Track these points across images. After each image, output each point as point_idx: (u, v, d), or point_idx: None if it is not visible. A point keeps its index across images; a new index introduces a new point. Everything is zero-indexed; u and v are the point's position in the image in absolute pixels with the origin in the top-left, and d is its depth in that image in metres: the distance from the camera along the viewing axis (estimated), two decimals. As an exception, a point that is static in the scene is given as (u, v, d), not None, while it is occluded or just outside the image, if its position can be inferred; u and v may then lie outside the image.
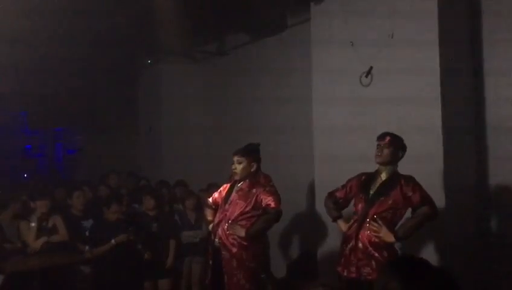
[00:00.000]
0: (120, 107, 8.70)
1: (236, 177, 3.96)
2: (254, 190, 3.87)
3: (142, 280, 4.99)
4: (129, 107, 8.65)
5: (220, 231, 3.91)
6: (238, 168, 3.91)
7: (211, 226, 4.10)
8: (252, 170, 3.92)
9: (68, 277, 4.91)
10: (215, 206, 4.14)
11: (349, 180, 3.72)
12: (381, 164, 3.47)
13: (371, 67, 4.27)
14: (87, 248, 4.81)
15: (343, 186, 3.73)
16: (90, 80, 7.88)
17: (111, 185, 6.34)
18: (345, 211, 3.79)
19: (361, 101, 4.35)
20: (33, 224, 4.85)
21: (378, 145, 3.47)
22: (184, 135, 7.59)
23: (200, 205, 5.43)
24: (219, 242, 3.90)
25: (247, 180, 3.92)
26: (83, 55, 6.59)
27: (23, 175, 8.85)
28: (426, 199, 3.36)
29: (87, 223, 5.15)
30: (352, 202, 3.69)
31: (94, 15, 5.32)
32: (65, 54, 6.38)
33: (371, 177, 3.56)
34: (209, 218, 4.19)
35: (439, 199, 3.68)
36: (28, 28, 5.34)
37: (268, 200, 3.80)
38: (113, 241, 4.71)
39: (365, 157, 3.67)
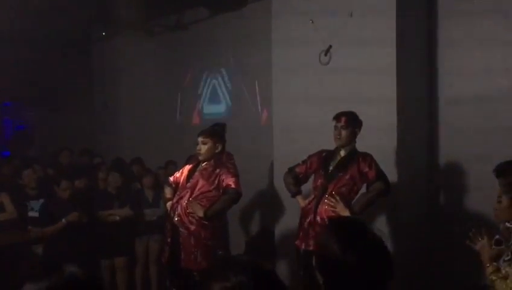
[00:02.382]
0: (74, 80, 8.34)
1: (201, 158, 3.89)
2: (218, 170, 3.83)
3: (98, 258, 4.90)
4: (83, 81, 8.30)
5: (179, 208, 3.86)
6: (203, 149, 3.84)
7: (169, 203, 4.03)
8: (217, 151, 3.86)
9: (19, 256, 4.73)
10: (176, 185, 4.06)
11: (310, 156, 3.76)
12: (341, 146, 3.55)
13: (330, 46, 4.27)
14: (29, 227, 4.66)
15: (304, 162, 3.77)
16: (42, 52, 7.49)
17: (63, 163, 6.11)
18: (303, 187, 3.82)
19: (321, 76, 4.36)
20: (-21, 202, 4.64)
21: (335, 126, 3.53)
22: (141, 110, 7.39)
23: (158, 183, 5.33)
24: (177, 220, 3.85)
25: (212, 160, 3.87)
26: (34, 26, 6.24)
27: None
28: (381, 175, 3.48)
29: (37, 204, 4.93)
30: (312, 177, 3.74)
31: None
32: (15, 24, 6.02)
33: (331, 154, 3.64)
34: (168, 196, 4.11)
35: (391, 171, 3.79)
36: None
37: (229, 181, 3.77)
38: (63, 220, 4.55)
39: (323, 132, 3.71)
